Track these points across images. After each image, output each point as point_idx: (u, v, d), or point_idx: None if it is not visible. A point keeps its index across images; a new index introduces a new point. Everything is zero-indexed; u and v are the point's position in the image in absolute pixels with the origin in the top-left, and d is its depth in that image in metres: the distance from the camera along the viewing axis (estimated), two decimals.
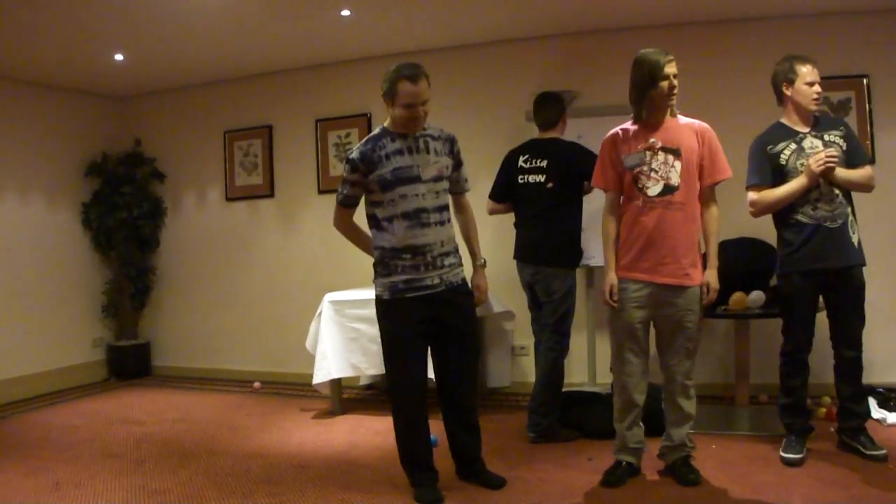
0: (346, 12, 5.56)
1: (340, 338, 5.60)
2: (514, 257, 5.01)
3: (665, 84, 3.78)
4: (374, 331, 5.36)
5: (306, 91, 7.13)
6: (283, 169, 7.25)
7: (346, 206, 3.87)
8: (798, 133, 4.25)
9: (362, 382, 6.54)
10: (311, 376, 5.67)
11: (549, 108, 5.00)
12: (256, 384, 6.96)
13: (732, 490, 3.82)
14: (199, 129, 7.57)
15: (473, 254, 4.06)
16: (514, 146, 5.13)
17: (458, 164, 3.99)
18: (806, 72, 4.20)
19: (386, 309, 3.82)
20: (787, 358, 4.37)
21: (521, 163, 4.96)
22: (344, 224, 3.96)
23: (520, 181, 4.94)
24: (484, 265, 4.06)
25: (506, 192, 5.05)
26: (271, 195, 7.30)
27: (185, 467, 4.52)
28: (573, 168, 4.78)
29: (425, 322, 3.77)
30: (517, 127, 5.87)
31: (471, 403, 4.03)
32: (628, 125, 3.99)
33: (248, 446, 4.96)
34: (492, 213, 5.20)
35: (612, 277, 3.93)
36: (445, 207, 3.87)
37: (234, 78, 7.31)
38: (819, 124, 4.29)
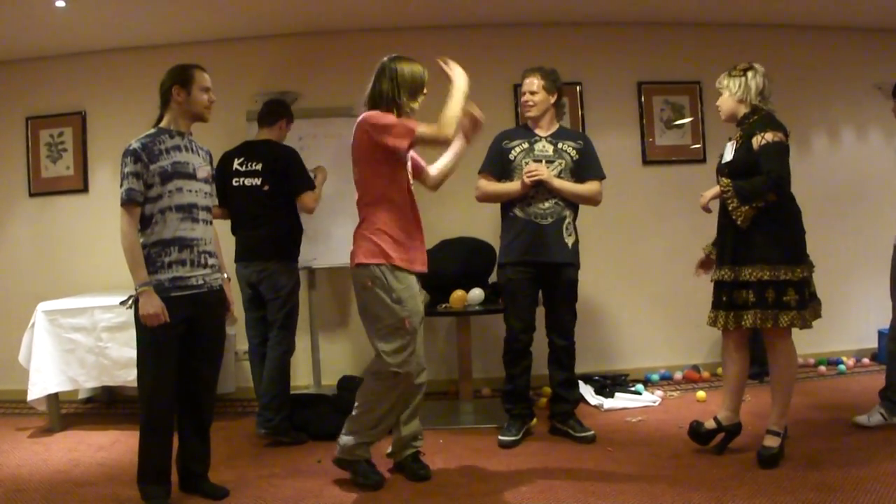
0: (60, 3, 5.29)
1: (56, 350, 5.33)
2: (237, 259, 5.03)
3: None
4: (91, 341, 5.29)
5: (16, 86, 6.61)
6: None
7: (135, 202, 3.63)
8: (535, 136, 4.66)
9: (81, 396, 6.24)
10: (25, 392, 5.33)
11: (271, 110, 5.14)
12: None
13: (462, 482, 4.04)
14: None
15: (219, 267, 4.05)
16: (232, 147, 5.15)
17: (212, 178, 4.04)
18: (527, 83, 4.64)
19: None
20: (507, 346, 4.74)
21: (235, 165, 5.00)
22: (133, 231, 3.63)
23: (234, 184, 4.98)
24: (228, 279, 4.11)
25: (220, 195, 5.00)
26: None
27: None
28: (286, 178, 4.93)
29: (184, 323, 3.73)
30: (237, 128, 5.80)
31: (210, 415, 4.04)
32: None
33: None
34: None
35: None
36: (210, 209, 3.94)
37: None
38: (560, 133, 4.70)
